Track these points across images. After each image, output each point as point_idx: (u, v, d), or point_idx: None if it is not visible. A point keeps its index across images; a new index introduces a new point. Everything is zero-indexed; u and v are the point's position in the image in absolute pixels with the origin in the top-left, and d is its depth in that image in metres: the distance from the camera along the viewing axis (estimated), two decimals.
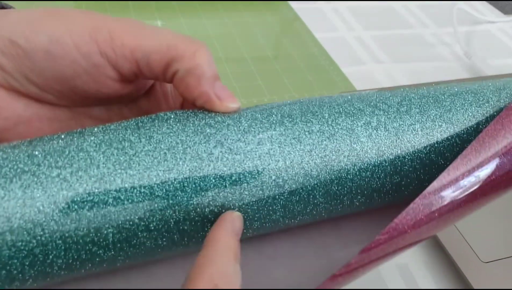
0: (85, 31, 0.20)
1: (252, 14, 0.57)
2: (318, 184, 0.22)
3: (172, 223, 0.20)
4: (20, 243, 0.18)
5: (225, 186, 0.21)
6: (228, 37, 0.52)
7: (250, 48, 0.51)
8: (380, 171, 0.23)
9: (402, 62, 0.52)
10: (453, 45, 0.56)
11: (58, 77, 0.21)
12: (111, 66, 0.21)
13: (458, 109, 0.24)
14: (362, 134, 0.23)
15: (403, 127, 0.23)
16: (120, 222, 0.19)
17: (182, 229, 0.21)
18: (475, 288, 0.28)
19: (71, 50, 0.20)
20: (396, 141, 0.23)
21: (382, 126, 0.23)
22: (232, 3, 0.58)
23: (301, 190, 0.22)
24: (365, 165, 0.23)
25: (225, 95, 0.22)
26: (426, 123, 0.24)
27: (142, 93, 0.25)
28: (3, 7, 0.23)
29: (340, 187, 0.23)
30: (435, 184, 0.21)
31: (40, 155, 0.19)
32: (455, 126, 0.24)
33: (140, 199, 0.19)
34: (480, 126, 0.24)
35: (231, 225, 0.20)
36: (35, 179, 0.18)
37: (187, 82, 0.22)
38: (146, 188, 0.19)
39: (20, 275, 0.19)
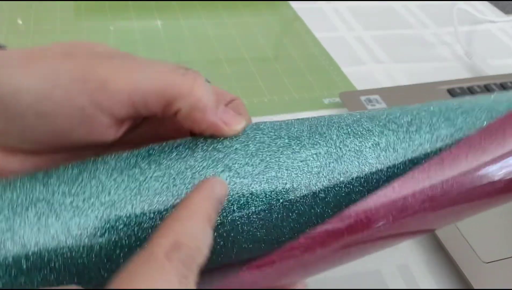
0: (74, 82, 0.19)
1: (252, 14, 0.57)
2: (326, 206, 0.22)
3: None
4: (34, 270, 0.18)
5: (233, 210, 0.21)
6: (228, 37, 0.52)
7: (250, 48, 0.51)
8: None
9: (402, 62, 0.52)
10: (454, 45, 0.56)
11: (52, 133, 0.20)
12: (105, 114, 0.20)
13: (470, 128, 0.23)
14: (370, 155, 0.23)
15: (412, 147, 0.23)
16: (131, 247, 0.19)
17: None
18: (475, 288, 0.28)
19: (62, 105, 0.19)
20: (405, 163, 0.23)
21: (391, 147, 0.23)
22: (232, 3, 0.58)
23: (309, 213, 0.22)
24: (374, 187, 0.22)
25: (231, 119, 0.22)
26: (436, 143, 0.23)
27: (136, 125, 0.24)
28: None
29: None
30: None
31: (54, 184, 0.19)
32: None
33: (150, 225, 0.20)
34: None
35: (209, 189, 0.19)
36: (49, 207, 0.19)
37: (193, 117, 0.21)
38: (156, 213, 0.20)
39: None
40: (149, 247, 0.17)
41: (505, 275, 0.29)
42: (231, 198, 0.21)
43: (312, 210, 0.22)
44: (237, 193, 0.21)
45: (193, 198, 0.19)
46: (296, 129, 0.23)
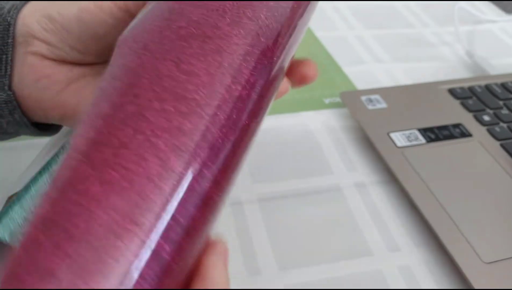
0: None
1: None
2: None
3: None
4: None
5: None
6: None
7: None
8: None
9: (403, 62, 0.52)
10: (455, 45, 0.56)
11: (93, 38, 0.25)
12: (131, 18, 0.24)
13: None
14: None
15: None
16: None
17: None
18: (476, 288, 0.28)
19: (97, 13, 0.24)
20: None
21: None
22: None
23: None
24: None
25: None
26: None
27: None
28: None
29: None
30: None
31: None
32: None
33: None
34: None
35: (224, 257, 0.20)
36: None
37: None
38: None
39: None
40: None
41: (506, 275, 0.29)
42: None
43: None
44: None
45: (215, 272, 0.19)
46: None
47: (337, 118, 0.43)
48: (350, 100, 0.42)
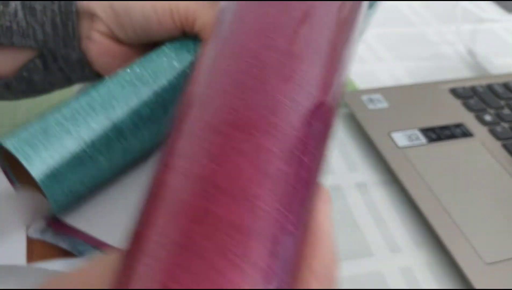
0: (164, 6, 0.29)
1: None
2: None
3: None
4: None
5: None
6: None
7: None
8: None
9: (404, 61, 0.51)
10: (457, 44, 0.55)
11: (142, 31, 0.30)
12: (179, 31, 0.30)
13: None
14: None
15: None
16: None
17: None
18: (477, 289, 0.28)
19: (158, 29, 0.30)
20: None
21: None
22: None
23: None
24: None
25: None
26: None
27: None
28: None
29: None
30: None
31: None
32: None
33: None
34: None
35: (330, 207, 0.19)
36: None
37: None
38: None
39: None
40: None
41: (507, 275, 0.29)
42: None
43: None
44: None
45: (324, 226, 0.18)
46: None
47: (338, 118, 0.43)
48: (351, 100, 0.42)
